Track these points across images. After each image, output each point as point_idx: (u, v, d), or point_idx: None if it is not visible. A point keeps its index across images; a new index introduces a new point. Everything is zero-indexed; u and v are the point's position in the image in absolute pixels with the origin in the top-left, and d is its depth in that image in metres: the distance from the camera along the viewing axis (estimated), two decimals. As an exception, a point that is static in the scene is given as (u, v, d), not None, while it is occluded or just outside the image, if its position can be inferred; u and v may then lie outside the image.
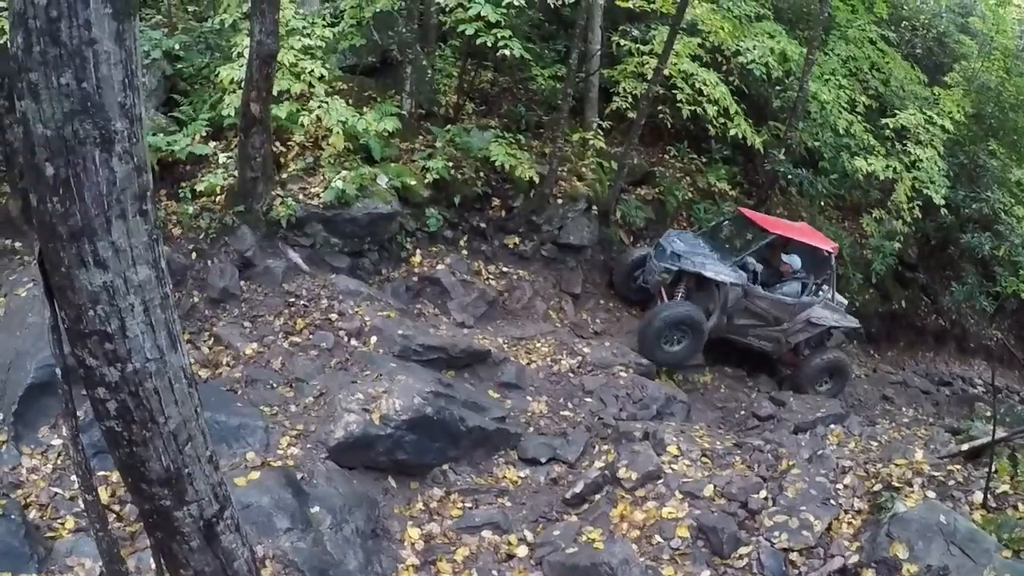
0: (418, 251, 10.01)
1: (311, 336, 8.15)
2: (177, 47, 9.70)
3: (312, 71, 9.42)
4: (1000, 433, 6.88)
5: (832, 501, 6.44)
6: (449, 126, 10.82)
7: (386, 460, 7.05)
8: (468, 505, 7.07)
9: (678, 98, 11.47)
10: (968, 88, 14.50)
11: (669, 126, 12.66)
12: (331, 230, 9.23)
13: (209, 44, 10.13)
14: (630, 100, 11.48)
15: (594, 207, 11.31)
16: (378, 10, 10.17)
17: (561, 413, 8.53)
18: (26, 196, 3.39)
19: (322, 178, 9.34)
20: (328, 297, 8.62)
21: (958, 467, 6.78)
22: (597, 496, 7.12)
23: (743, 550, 6.07)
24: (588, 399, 8.83)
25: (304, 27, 9.87)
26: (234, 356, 7.81)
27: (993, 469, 6.37)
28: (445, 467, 7.36)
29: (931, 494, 6.30)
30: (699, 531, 6.27)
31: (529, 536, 6.68)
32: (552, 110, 11.84)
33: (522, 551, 6.50)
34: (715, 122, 11.72)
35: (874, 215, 13.16)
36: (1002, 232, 13.60)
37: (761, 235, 10.50)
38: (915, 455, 7.03)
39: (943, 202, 12.52)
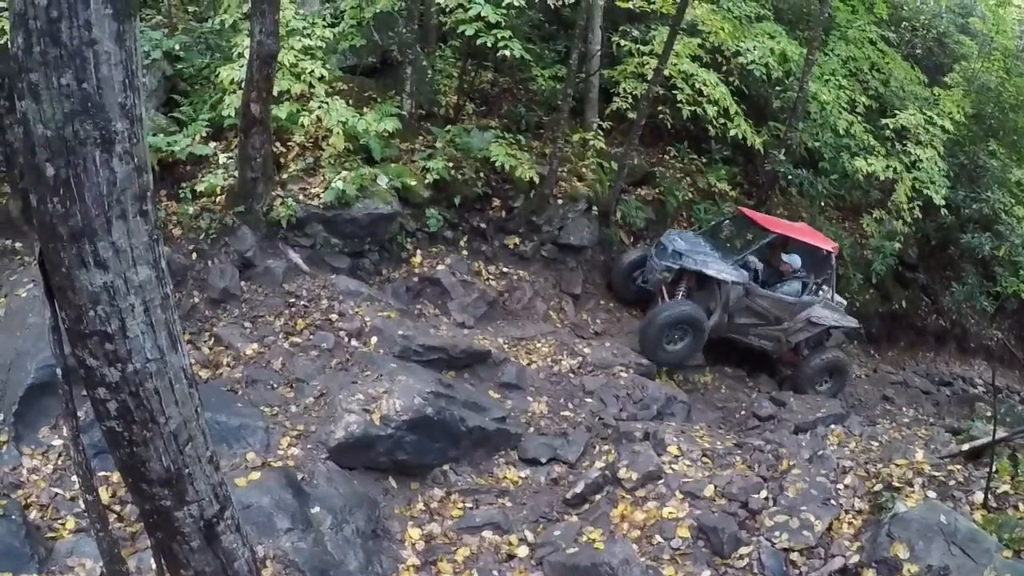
0: (418, 251, 10.01)
1: (311, 336, 8.15)
2: (177, 47, 9.70)
3: (312, 71, 9.43)
4: (1000, 433, 6.88)
5: (833, 501, 6.44)
6: (449, 126, 10.82)
7: (386, 460, 7.05)
8: (469, 505, 7.07)
9: (678, 98, 11.48)
10: (968, 88, 14.50)
11: (669, 126, 12.66)
12: (331, 230, 9.24)
13: (209, 44, 10.13)
14: (630, 100, 11.48)
15: (594, 207, 11.31)
16: (378, 11, 10.18)
17: (561, 413, 8.53)
18: (26, 196, 3.39)
19: (322, 178, 9.34)
20: (328, 297, 8.63)
21: (959, 467, 6.78)
22: (597, 496, 7.12)
23: (744, 550, 6.07)
24: (588, 399, 8.83)
25: (304, 27, 9.87)
26: (234, 356, 7.82)
27: (994, 469, 6.37)
28: (446, 467, 7.37)
29: (932, 494, 6.30)
30: (700, 531, 6.27)
31: (530, 536, 6.68)
32: (552, 110, 11.84)
33: (523, 551, 6.50)
34: (715, 122, 11.73)
35: (874, 215, 13.16)
36: (1002, 232, 13.60)
37: (762, 234, 10.51)
38: (916, 455, 7.04)
39: (943, 202, 12.52)
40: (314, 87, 9.48)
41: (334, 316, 8.40)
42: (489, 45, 9.61)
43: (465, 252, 10.42)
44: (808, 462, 7.24)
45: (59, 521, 5.80)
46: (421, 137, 10.81)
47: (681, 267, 10.07)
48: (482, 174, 10.63)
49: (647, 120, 11.59)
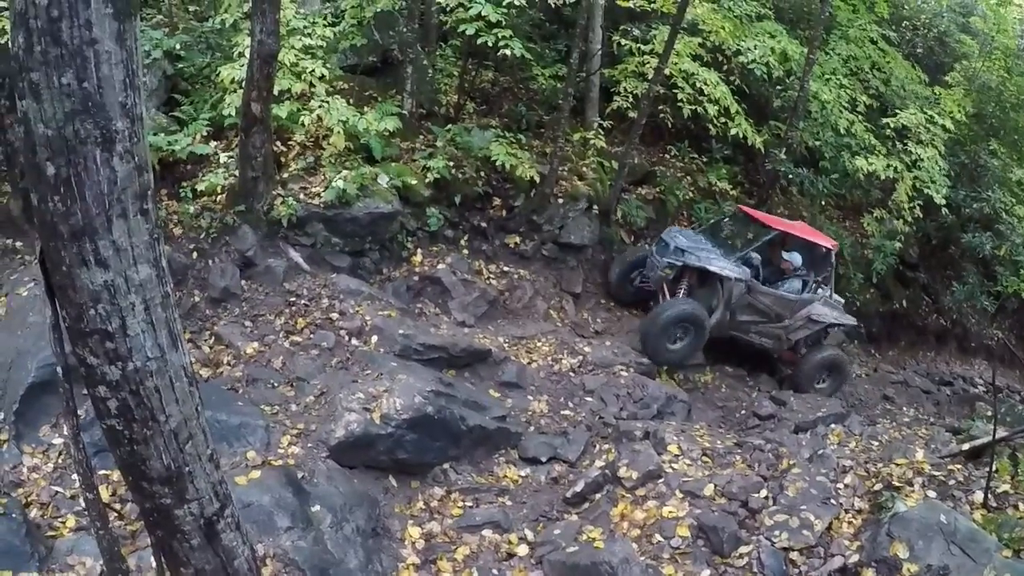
0: (419, 250, 10.02)
1: (312, 335, 8.16)
2: (178, 47, 9.71)
3: (313, 71, 9.43)
4: (1001, 433, 6.88)
5: (832, 500, 6.45)
6: (450, 126, 10.82)
7: (387, 459, 7.05)
8: (469, 504, 7.08)
9: (679, 98, 11.47)
10: (969, 88, 14.49)
11: (670, 126, 12.65)
12: (332, 229, 9.24)
13: (210, 44, 10.13)
14: (631, 100, 11.48)
15: (595, 206, 11.31)
16: (379, 10, 10.17)
17: (562, 412, 8.53)
18: (27, 196, 3.40)
19: (323, 177, 9.34)
20: (329, 296, 8.63)
21: (959, 467, 6.78)
22: (597, 495, 7.13)
23: (743, 549, 6.07)
24: (589, 398, 8.84)
25: (305, 27, 9.88)
26: (235, 355, 7.82)
27: (994, 469, 6.37)
28: (446, 466, 7.37)
29: (932, 494, 6.30)
30: (699, 530, 6.28)
31: (530, 535, 6.69)
32: (553, 110, 11.84)
33: (523, 550, 6.51)
34: (716, 122, 11.72)
35: (875, 215, 13.15)
36: (1003, 232, 13.60)
37: (763, 232, 10.51)
38: (916, 455, 7.04)
39: (944, 202, 12.52)
40: (315, 86, 9.49)
41: (335, 315, 8.41)
42: (490, 44, 9.61)
43: (466, 251, 10.42)
44: (808, 461, 7.24)
45: (59, 519, 5.81)
46: (422, 136, 10.81)
47: (684, 264, 10.05)
48: (483, 173, 10.63)
49: (648, 119, 11.59)
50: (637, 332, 10.37)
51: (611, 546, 6.15)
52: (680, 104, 11.53)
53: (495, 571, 6.28)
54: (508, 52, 9.61)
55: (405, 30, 10.47)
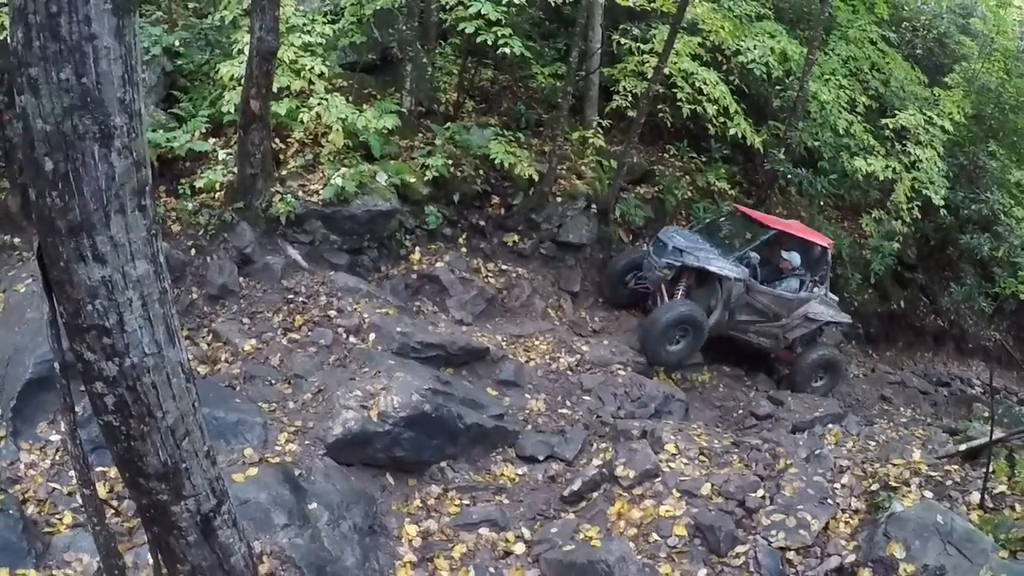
0: (417, 248, 10.01)
1: (310, 333, 8.15)
2: (177, 43, 9.69)
3: (312, 68, 9.42)
4: (998, 434, 6.90)
5: (829, 500, 6.45)
6: (449, 124, 10.82)
7: (384, 457, 7.05)
8: (466, 502, 7.08)
9: (678, 97, 11.47)
10: (968, 89, 14.50)
11: (669, 125, 12.66)
12: (330, 227, 9.24)
13: (209, 41, 10.12)
14: (630, 99, 11.48)
15: (593, 205, 11.32)
16: (378, 7, 10.16)
17: (559, 411, 8.54)
18: (26, 192, 3.40)
19: (321, 175, 9.34)
20: (327, 294, 8.63)
21: (956, 467, 6.80)
22: (595, 494, 7.13)
23: (740, 548, 6.08)
24: (586, 397, 8.84)
25: (304, 24, 9.87)
26: (233, 352, 7.82)
27: (991, 469, 6.38)
28: (443, 464, 7.37)
29: (928, 494, 6.32)
30: (696, 529, 6.28)
31: (527, 533, 6.69)
32: (552, 108, 11.84)
33: (519, 548, 6.51)
34: (715, 121, 11.72)
35: (873, 215, 13.16)
36: (1001, 233, 13.61)
37: (762, 231, 10.51)
38: (913, 455, 7.05)
39: (942, 203, 12.52)
40: (314, 84, 9.49)
41: (332, 313, 8.40)
42: (489, 43, 9.61)
43: (464, 249, 10.42)
44: (805, 461, 7.25)
45: (56, 516, 5.80)
46: (421, 134, 10.81)
47: (682, 264, 10.04)
48: (481, 171, 10.63)
49: (647, 118, 11.59)
50: (635, 331, 10.38)
51: (608, 545, 6.15)
52: (679, 103, 11.53)
53: (492, 569, 6.28)
54: (507, 50, 9.61)
55: (405, 28, 10.47)
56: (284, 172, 9.32)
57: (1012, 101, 14.50)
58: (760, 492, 6.64)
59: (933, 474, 6.64)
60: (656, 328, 9.70)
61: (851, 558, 5.79)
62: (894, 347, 14.61)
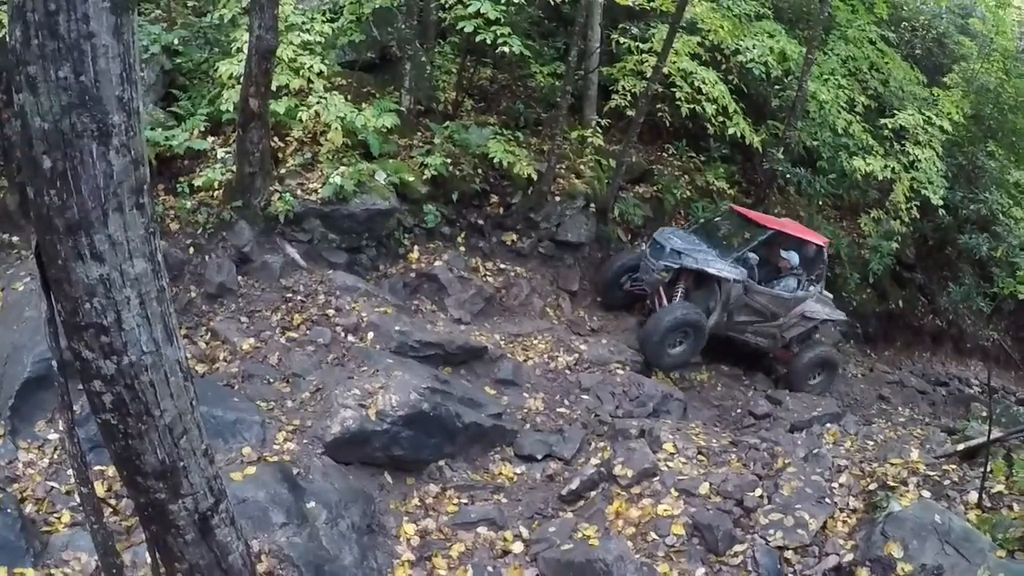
0: (416, 247, 10.01)
1: (308, 332, 8.15)
2: (176, 42, 9.68)
3: (311, 67, 9.42)
4: (996, 433, 6.90)
5: (827, 500, 6.46)
6: (448, 123, 10.81)
7: (382, 456, 7.05)
8: (464, 501, 7.08)
9: (677, 96, 11.47)
10: (967, 89, 14.51)
11: (668, 124, 12.67)
12: (329, 226, 9.24)
13: (208, 39, 10.11)
14: (629, 98, 11.48)
15: (592, 205, 11.32)
16: (377, 6, 10.15)
17: (557, 410, 8.54)
18: (24, 190, 3.40)
19: (320, 174, 9.33)
20: (325, 293, 8.63)
21: (954, 467, 6.81)
22: (593, 493, 7.13)
23: (738, 548, 6.09)
24: (585, 396, 8.85)
25: (303, 23, 9.86)
26: (231, 351, 7.81)
27: (988, 469, 6.39)
28: (441, 463, 7.38)
29: (926, 493, 6.33)
30: (694, 528, 6.29)
31: (525, 532, 6.70)
32: (551, 107, 11.84)
33: (518, 547, 6.51)
34: (714, 121, 11.72)
35: (872, 215, 13.17)
36: (1000, 233, 13.64)
37: (759, 231, 10.50)
38: (911, 454, 7.06)
39: (941, 203, 12.53)
40: (313, 82, 9.48)
41: (331, 311, 8.40)
42: (488, 42, 9.61)
43: (462, 248, 10.42)
44: (803, 460, 7.25)
45: (55, 515, 5.80)
46: (419, 133, 10.80)
47: (680, 266, 10.02)
48: (480, 170, 10.63)
49: (646, 118, 11.60)
50: (633, 331, 10.38)
51: (606, 544, 6.15)
52: (678, 103, 11.53)
53: (490, 568, 6.29)
54: (507, 49, 9.61)
55: (404, 26, 10.46)
56: (283, 171, 9.31)
57: (1011, 101, 14.52)
58: (758, 491, 6.65)
59: (931, 473, 6.65)
60: (657, 332, 9.69)
61: (849, 557, 5.80)
62: (892, 347, 14.63)
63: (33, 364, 6.53)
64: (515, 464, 7.70)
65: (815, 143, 13.03)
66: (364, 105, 9.89)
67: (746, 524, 6.33)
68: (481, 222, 10.71)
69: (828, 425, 8.86)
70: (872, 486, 6.53)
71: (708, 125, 11.93)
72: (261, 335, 8.06)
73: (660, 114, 12.25)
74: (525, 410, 8.39)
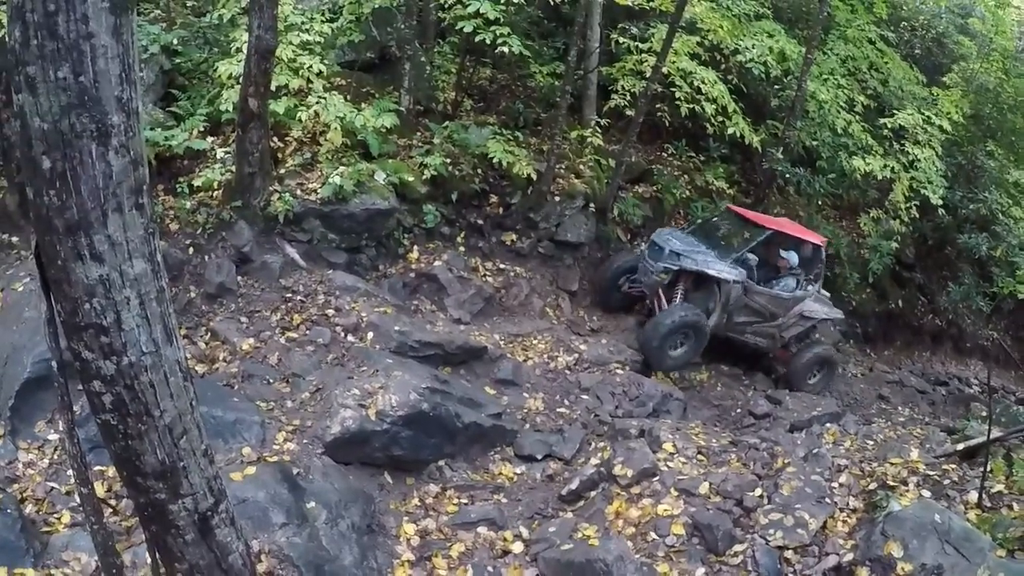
0: (415, 247, 10.01)
1: (308, 332, 8.15)
2: (175, 42, 9.68)
3: (310, 66, 9.42)
4: (995, 433, 6.90)
5: (827, 499, 6.46)
6: (447, 123, 10.81)
7: (382, 456, 7.05)
8: (464, 501, 7.08)
9: (676, 96, 11.47)
10: (966, 89, 14.50)
11: (667, 124, 12.66)
12: (328, 226, 9.23)
13: (207, 39, 10.11)
14: (628, 98, 11.47)
15: (592, 204, 11.32)
16: (377, 6, 10.15)
17: (557, 410, 8.54)
18: (23, 190, 3.39)
19: (320, 174, 9.33)
20: (325, 293, 8.63)
21: (953, 466, 6.81)
22: (593, 493, 7.13)
23: (738, 547, 6.08)
24: (584, 396, 8.85)
25: (303, 22, 9.86)
26: (231, 351, 7.81)
27: (988, 469, 6.39)
28: (441, 463, 7.38)
29: (926, 493, 6.33)
30: (694, 528, 6.29)
31: (525, 532, 6.70)
32: (550, 107, 11.84)
33: (518, 547, 6.51)
34: (713, 120, 11.71)
35: (872, 215, 13.17)
36: (999, 233, 13.64)
37: (757, 231, 10.49)
38: (911, 454, 7.06)
39: (941, 202, 12.53)
40: (312, 82, 9.48)
41: (331, 311, 8.40)
42: (488, 41, 9.62)
43: (462, 248, 10.42)
44: (803, 460, 7.25)
45: (55, 515, 5.80)
46: (419, 133, 10.80)
47: (680, 268, 10.01)
48: (480, 170, 10.63)
49: (645, 117, 11.59)
50: (633, 330, 10.37)
51: (606, 544, 6.16)
52: (678, 103, 11.53)
53: (490, 568, 6.29)
54: (506, 49, 9.61)
55: (403, 26, 10.46)
56: (282, 171, 9.31)
57: (1010, 101, 14.52)
58: (758, 491, 6.65)
59: (931, 473, 6.65)
60: (657, 335, 9.67)
61: (849, 557, 5.80)
62: (892, 346, 14.63)
63: (33, 364, 6.53)
64: (515, 464, 7.71)
65: (814, 143, 13.02)
66: (363, 105, 9.89)
67: (746, 524, 6.33)
68: (481, 222, 10.71)
69: (828, 425, 8.86)
70: (872, 486, 6.53)
71: (707, 125, 11.93)
72: (261, 335, 8.06)
73: (659, 114, 12.24)
74: (525, 410, 8.39)
